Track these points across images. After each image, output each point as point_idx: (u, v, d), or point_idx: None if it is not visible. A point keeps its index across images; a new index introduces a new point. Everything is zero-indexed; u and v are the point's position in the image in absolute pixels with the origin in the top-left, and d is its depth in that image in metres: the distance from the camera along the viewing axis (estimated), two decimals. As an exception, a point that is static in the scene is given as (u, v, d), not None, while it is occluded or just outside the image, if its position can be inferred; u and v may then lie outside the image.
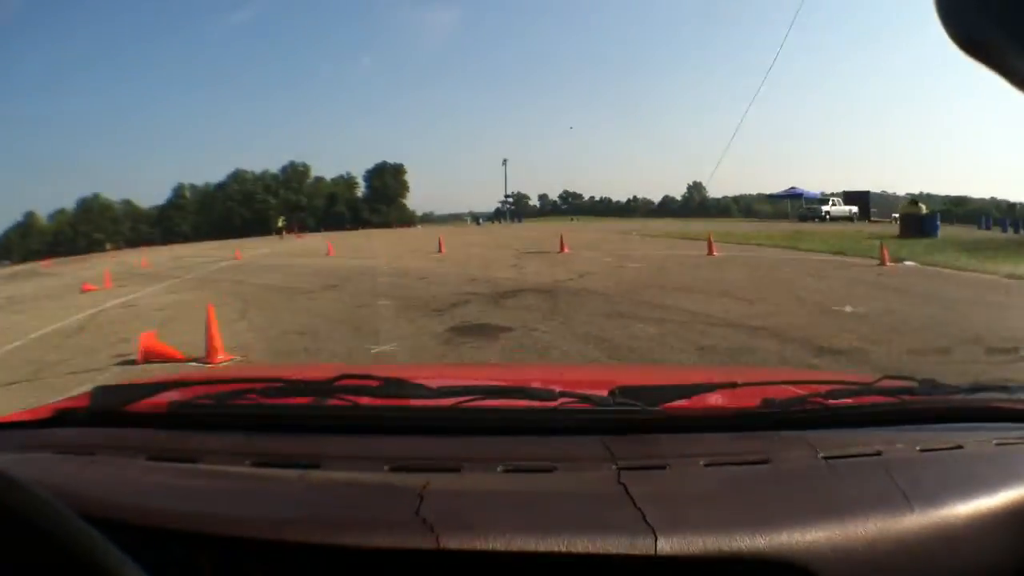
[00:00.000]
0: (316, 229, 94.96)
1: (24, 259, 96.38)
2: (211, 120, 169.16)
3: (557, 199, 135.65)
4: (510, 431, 1.15)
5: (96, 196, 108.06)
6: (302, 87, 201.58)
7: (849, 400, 1.25)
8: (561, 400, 1.15)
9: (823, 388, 1.26)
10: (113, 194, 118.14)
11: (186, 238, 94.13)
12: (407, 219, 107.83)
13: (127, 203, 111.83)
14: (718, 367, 3.99)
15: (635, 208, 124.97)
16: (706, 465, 1.03)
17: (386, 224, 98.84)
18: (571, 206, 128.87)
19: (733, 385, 1.35)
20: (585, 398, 1.16)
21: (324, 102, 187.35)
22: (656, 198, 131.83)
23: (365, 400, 1.16)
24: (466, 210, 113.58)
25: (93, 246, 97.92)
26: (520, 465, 1.02)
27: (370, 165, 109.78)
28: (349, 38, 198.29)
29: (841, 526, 0.85)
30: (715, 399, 1.27)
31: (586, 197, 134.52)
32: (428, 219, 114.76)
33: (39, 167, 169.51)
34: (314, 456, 1.03)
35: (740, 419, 1.18)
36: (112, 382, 2.15)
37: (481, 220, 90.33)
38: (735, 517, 0.87)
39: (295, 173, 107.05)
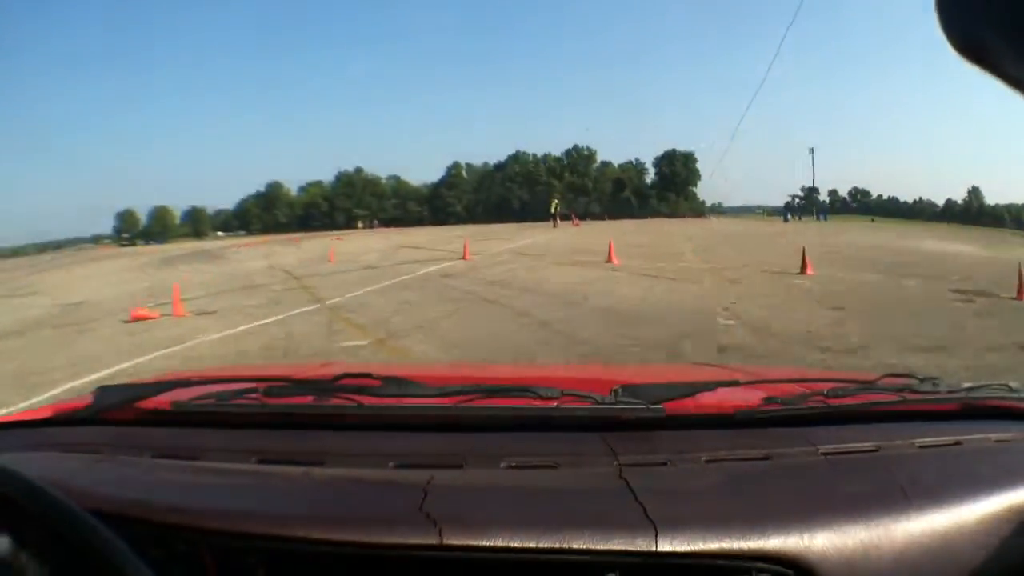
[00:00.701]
0: (601, 216, 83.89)
1: (270, 231, 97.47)
2: (491, 102, 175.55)
3: (847, 196, 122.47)
4: (512, 428, 1.15)
5: (359, 170, 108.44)
6: (593, 71, 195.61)
7: (850, 398, 1.24)
8: (563, 398, 1.15)
9: (824, 386, 1.26)
10: (378, 170, 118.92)
11: (459, 219, 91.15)
12: (698, 209, 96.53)
13: (395, 179, 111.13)
14: (719, 366, 3.25)
15: (920, 211, 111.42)
16: (707, 462, 1.04)
17: (674, 214, 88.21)
18: (860, 204, 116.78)
19: (734, 383, 1.36)
20: (587, 396, 1.16)
21: (615, 86, 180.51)
22: (939, 200, 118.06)
23: (367, 399, 1.16)
24: (754, 204, 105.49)
25: (352, 221, 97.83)
26: (523, 462, 1.02)
27: (659, 152, 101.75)
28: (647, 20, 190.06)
29: (840, 522, 0.86)
30: (716, 397, 1.25)
31: (874, 195, 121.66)
32: (717, 211, 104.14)
33: (290, 137, 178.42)
34: (318, 453, 1.04)
35: (741, 417, 1.17)
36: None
37: (789, 216, 73.49)
38: (736, 513, 0.87)
39: (579, 157, 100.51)
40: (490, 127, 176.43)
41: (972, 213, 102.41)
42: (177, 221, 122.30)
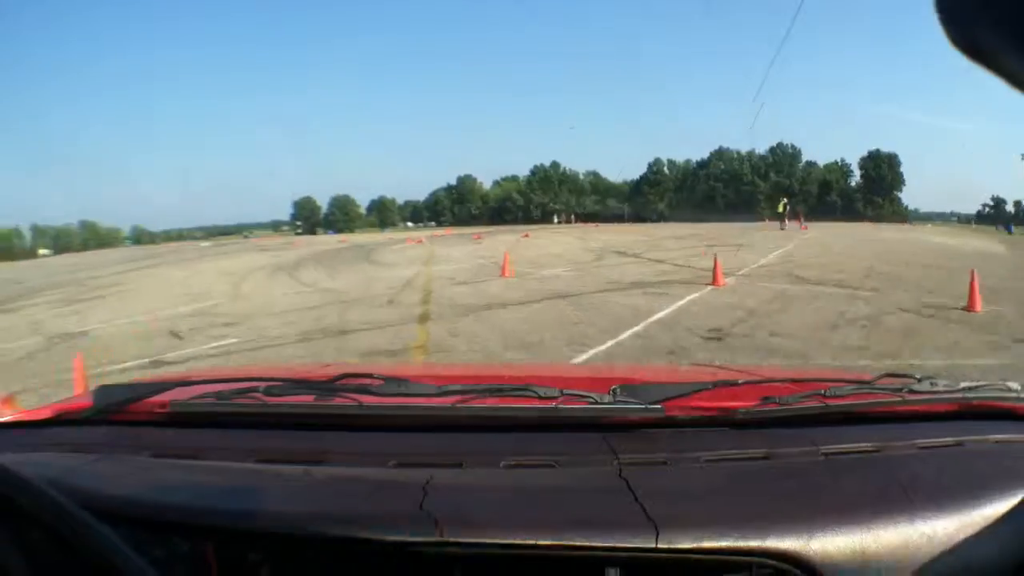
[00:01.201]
0: (806, 217, 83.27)
1: (458, 223, 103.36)
2: (691, 98, 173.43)
3: None
4: (512, 428, 1.17)
5: (554, 164, 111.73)
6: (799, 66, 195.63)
7: (849, 398, 1.25)
8: (563, 398, 1.16)
9: (823, 386, 1.26)
10: (575, 165, 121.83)
11: (661, 216, 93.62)
12: (902, 215, 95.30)
13: (593, 175, 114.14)
14: (719, 366, 3.62)
15: None
16: (707, 461, 1.04)
17: (880, 218, 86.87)
18: None
19: (733, 383, 1.36)
20: (586, 396, 1.16)
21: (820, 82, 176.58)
22: None
23: (367, 398, 1.16)
24: (939, 211, 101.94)
25: (547, 216, 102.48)
26: (522, 461, 1.03)
27: (863, 153, 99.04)
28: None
29: (840, 522, 0.86)
30: (715, 397, 1.25)
31: None
32: (915, 217, 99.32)
33: (483, 132, 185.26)
34: (318, 452, 1.05)
35: (740, 416, 1.18)
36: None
37: (1012, 228, 69.73)
38: (735, 512, 0.88)
39: (784, 155, 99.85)
40: (690, 123, 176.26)
41: None
42: (362, 211, 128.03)
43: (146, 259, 32.79)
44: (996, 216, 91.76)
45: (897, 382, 1.31)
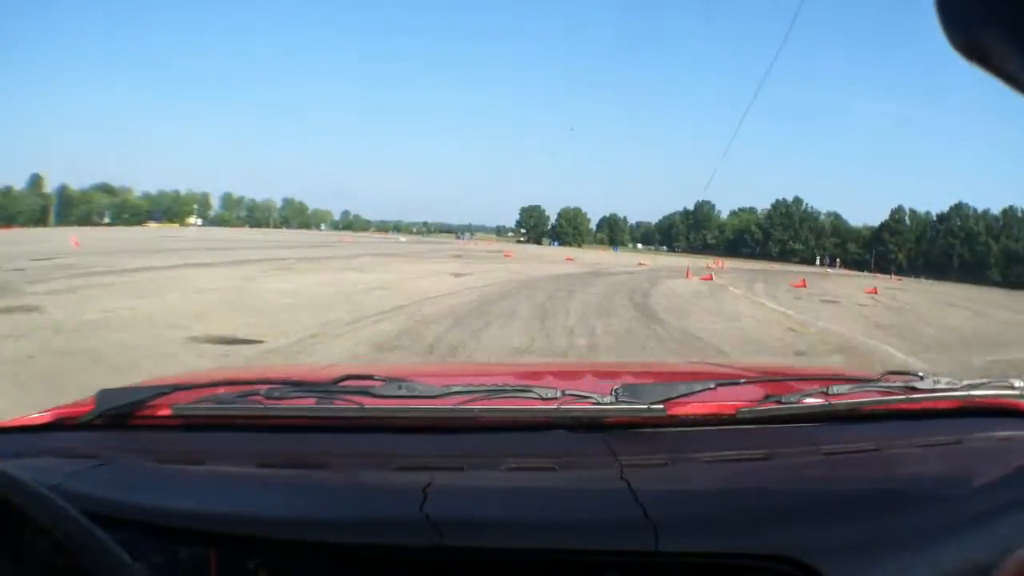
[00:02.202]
0: None
1: (690, 250, 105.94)
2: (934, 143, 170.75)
3: None
4: (513, 429, 1.19)
5: (797, 200, 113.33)
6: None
7: (851, 396, 1.28)
8: (564, 398, 1.17)
9: (825, 384, 1.30)
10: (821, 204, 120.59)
11: (900, 269, 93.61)
12: None
13: (834, 215, 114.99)
14: (720, 364, 3.51)
15: None
16: (708, 462, 1.06)
17: None
18: None
19: (735, 382, 1.40)
20: (587, 396, 1.18)
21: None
22: None
23: (369, 400, 1.17)
24: None
25: (787, 254, 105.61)
26: (523, 463, 1.04)
27: None
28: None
29: (842, 521, 0.88)
30: (717, 396, 1.26)
31: None
32: None
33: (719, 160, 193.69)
34: (318, 456, 1.06)
35: (741, 415, 1.20)
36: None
37: None
38: (737, 514, 0.89)
39: (1014, 218, 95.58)
40: (934, 172, 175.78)
41: None
42: (591, 226, 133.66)
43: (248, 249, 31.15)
44: None
45: (899, 380, 1.34)
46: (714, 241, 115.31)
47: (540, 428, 1.18)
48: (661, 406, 1.15)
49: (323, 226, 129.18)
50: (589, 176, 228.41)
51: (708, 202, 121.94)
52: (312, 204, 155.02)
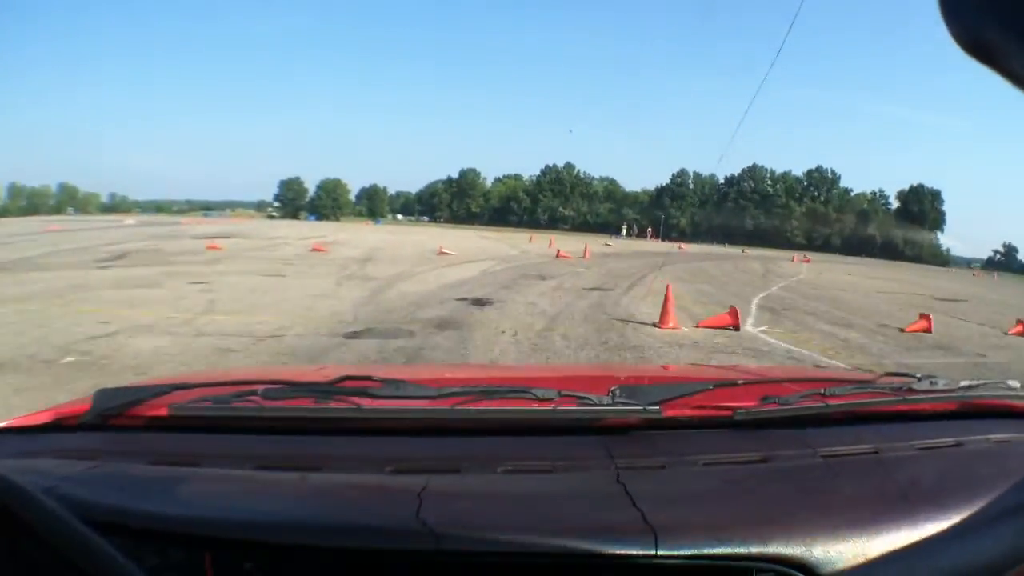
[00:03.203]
0: (841, 250, 75.17)
1: (459, 220, 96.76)
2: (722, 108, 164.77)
3: None
4: (510, 432, 1.17)
5: (569, 166, 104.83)
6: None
7: (848, 398, 1.26)
8: (560, 400, 1.16)
9: (822, 385, 1.28)
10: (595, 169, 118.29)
11: (682, 234, 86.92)
12: (941, 258, 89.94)
13: (610, 181, 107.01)
14: (718, 367, 3.83)
15: None
16: (705, 465, 1.05)
17: (919, 259, 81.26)
18: None
19: (732, 384, 1.37)
20: (584, 398, 1.16)
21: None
22: None
23: (366, 402, 1.16)
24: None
25: (557, 221, 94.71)
26: (519, 466, 1.04)
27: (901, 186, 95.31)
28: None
29: (839, 523, 0.87)
30: (714, 398, 1.25)
31: None
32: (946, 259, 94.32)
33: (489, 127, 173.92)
34: (315, 458, 1.05)
35: (739, 417, 1.18)
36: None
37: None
38: (734, 517, 0.89)
39: (822, 180, 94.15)
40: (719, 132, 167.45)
41: None
42: (351, 198, 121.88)
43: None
44: (1007, 263, 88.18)
45: (897, 382, 1.32)
46: (478, 210, 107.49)
47: (537, 430, 1.18)
48: (657, 408, 1.15)
49: (71, 210, 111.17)
50: (350, 146, 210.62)
51: (473, 169, 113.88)
52: (85, 187, 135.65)
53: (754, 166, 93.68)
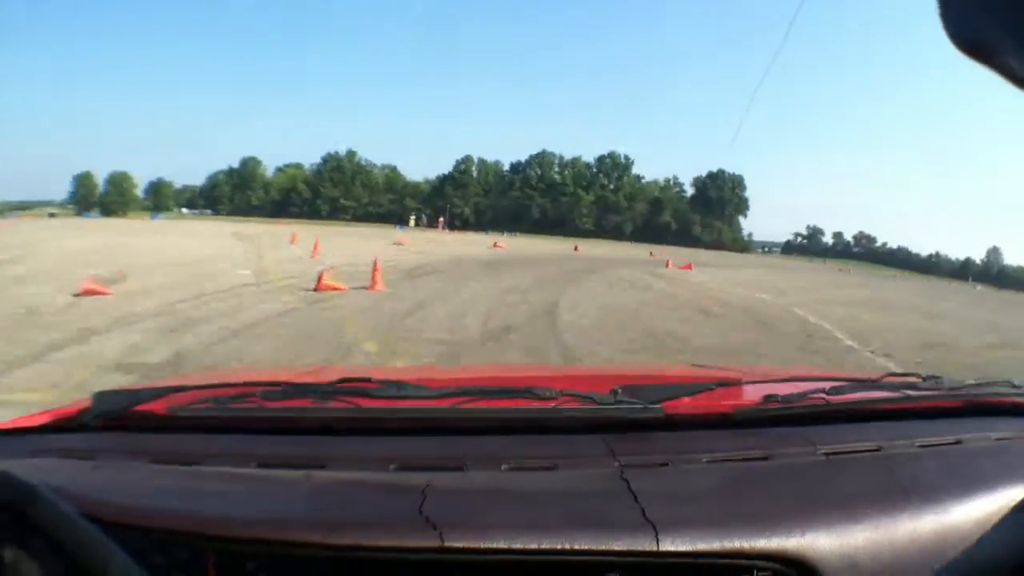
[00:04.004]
0: (632, 237, 70.59)
1: (240, 213, 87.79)
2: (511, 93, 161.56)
3: (851, 239, 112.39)
4: (512, 431, 1.17)
5: (351, 153, 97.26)
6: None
7: (851, 396, 1.27)
8: (562, 399, 1.16)
9: (825, 385, 1.27)
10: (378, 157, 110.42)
11: (466, 223, 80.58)
12: (741, 243, 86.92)
13: (390, 169, 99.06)
14: (721, 366, 3.08)
15: (937, 266, 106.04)
16: (707, 462, 1.06)
17: (720, 244, 78.90)
18: (865, 251, 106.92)
19: (735, 383, 1.38)
20: (586, 397, 1.16)
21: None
22: (956, 257, 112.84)
23: (366, 401, 1.16)
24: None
25: (338, 212, 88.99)
26: (522, 464, 1.04)
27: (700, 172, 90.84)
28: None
29: (841, 521, 0.88)
30: (716, 397, 1.26)
31: (879, 242, 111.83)
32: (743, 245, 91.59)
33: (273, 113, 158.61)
34: (318, 458, 1.05)
35: (741, 416, 1.19)
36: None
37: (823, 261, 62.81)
38: (736, 514, 0.89)
39: (614, 166, 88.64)
40: (513, 120, 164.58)
41: (992, 273, 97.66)
42: (139, 193, 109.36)
43: None
44: (809, 247, 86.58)
45: (899, 381, 1.32)
46: (259, 202, 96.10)
47: (539, 429, 1.17)
48: (659, 407, 1.14)
49: None
50: (139, 137, 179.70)
51: (254, 158, 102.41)
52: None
53: (543, 152, 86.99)
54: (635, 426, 1.14)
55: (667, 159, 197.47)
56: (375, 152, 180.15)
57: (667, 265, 24.74)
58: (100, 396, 1.20)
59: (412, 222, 72.14)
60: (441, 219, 70.16)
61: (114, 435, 1.17)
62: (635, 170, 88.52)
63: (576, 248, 40.56)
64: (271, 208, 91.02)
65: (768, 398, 1.19)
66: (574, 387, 1.21)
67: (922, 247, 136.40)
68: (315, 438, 1.14)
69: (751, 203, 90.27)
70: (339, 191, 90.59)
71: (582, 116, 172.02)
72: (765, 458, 1.06)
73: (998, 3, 0.38)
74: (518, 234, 62.81)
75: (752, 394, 1.25)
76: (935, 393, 1.28)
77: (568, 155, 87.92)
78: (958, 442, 1.14)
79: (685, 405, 1.18)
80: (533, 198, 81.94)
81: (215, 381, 1.31)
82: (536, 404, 1.15)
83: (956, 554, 0.79)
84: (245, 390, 1.21)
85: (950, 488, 0.97)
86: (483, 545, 0.82)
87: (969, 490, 0.95)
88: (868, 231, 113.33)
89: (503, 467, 1.02)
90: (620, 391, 1.16)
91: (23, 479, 0.59)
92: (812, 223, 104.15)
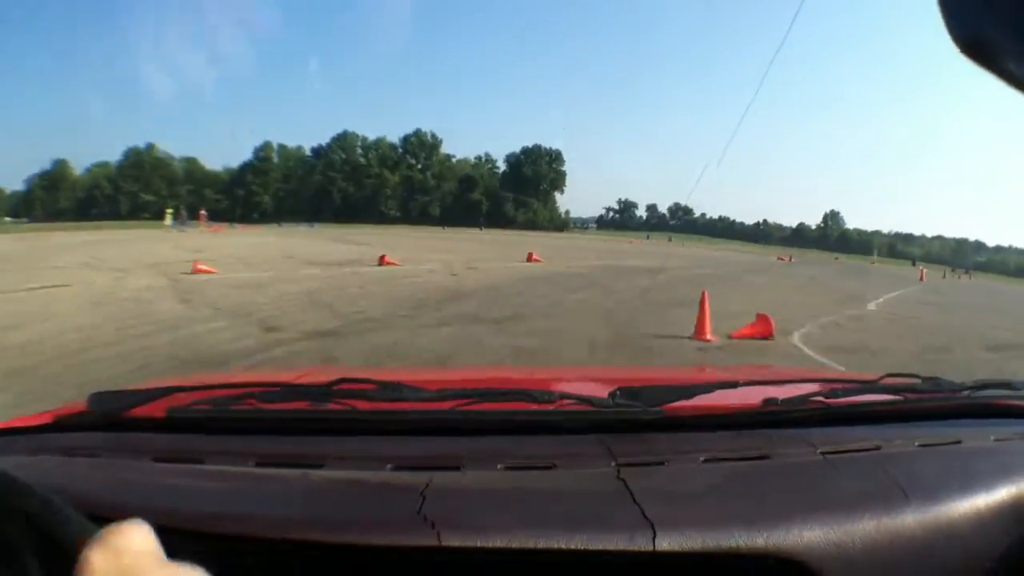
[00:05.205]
0: (441, 220, 65.82)
1: (51, 217, 79.93)
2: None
3: (666, 212, 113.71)
4: (510, 432, 1.17)
5: (151, 147, 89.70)
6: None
7: (850, 398, 1.27)
8: (561, 401, 1.17)
9: (824, 387, 1.30)
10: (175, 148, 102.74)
11: (264, 214, 76.71)
12: (558, 222, 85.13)
13: (189, 160, 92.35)
14: (720, 367, 3.50)
15: (767, 233, 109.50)
16: (705, 462, 1.06)
17: (535, 224, 76.22)
18: (682, 222, 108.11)
19: (734, 385, 1.38)
20: (585, 399, 1.18)
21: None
22: (789, 224, 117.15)
23: (364, 404, 1.17)
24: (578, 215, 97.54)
25: (139, 209, 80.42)
26: (520, 463, 1.04)
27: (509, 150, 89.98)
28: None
29: (839, 521, 0.88)
30: (715, 398, 1.26)
31: (697, 213, 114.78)
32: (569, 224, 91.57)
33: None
34: (316, 457, 1.05)
35: (740, 418, 1.20)
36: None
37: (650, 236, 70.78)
38: (734, 512, 0.89)
39: (421, 145, 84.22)
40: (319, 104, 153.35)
41: (831, 238, 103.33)
42: None
43: None
44: (623, 221, 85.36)
45: (899, 382, 1.34)
46: (68, 204, 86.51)
47: (537, 431, 1.17)
48: (659, 409, 1.15)
49: None
50: None
51: (63, 160, 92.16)
52: None
53: (345, 133, 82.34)
54: (634, 428, 1.14)
55: (484, 139, 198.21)
56: (175, 144, 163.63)
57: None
58: (99, 397, 1.20)
59: (168, 218, 57.70)
60: (202, 212, 60.78)
61: (114, 435, 1.16)
62: (449, 150, 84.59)
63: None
64: (79, 209, 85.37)
65: (767, 401, 1.19)
66: (573, 389, 1.21)
67: (746, 216, 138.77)
68: (313, 438, 1.13)
69: (569, 178, 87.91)
70: (139, 186, 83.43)
71: (388, 96, 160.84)
72: (763, 458, 1.06)
73: (1000, 3, 0.38)
74: (317, 225, 57.79)
75: (751, 396, 1.24)
76: (934, 395, 1.29)
77: (373, 136, 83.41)
78: (957, 443, 1.14)
79: (684, 407, 1.17)
80: (335, 182, 77.43)
81: (214, 382, 1.30)
82: (534, 406, 1.15)
83: (955, 555, 0.80)
84: (244, 391, 1.20)
85: (949, 489, 0.97)
86: (481, 544, 0.82)
87: (968, 491, 0.95)
88: (683, 202, 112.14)
89: (500, 466, 1.02)
90: (619, 393, 1.16)
91: (19, 477, 0.59)
92: (623, 197, 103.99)
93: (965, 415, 1.27)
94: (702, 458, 1.05)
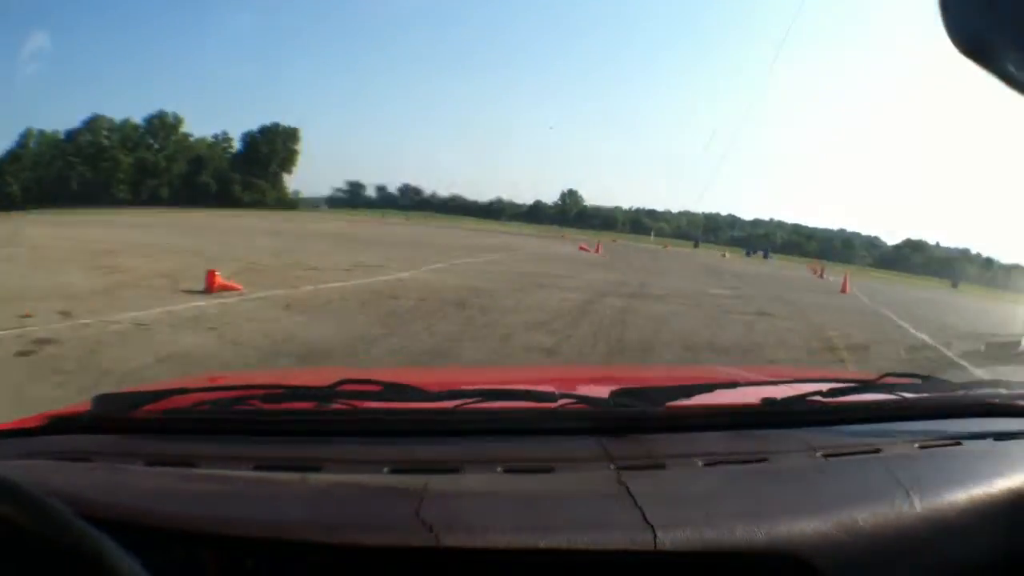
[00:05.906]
0: (171, 202, 73.05)
1: None
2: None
3: (396, 192, 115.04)
4: (510, 433, 1.17)
5: None
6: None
7: (850, 398, 1.28)
8: (561, 402, 1.18)
9: (824, 387, 1.28)
10: None
11: (13, 203, 73.79)
12: (287, 202, 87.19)
13: None
14: (719, 367, 3.75)
15: (500, 211, 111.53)
16: (705, 464, 1.06)
17: (261, 203, 78.71)
18: (413, 202, 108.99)
19: (733, 385, 1.40)
20: (584, 399, 1.20)
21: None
22: (525, 202, 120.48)
23: (365, 404, 1.18)
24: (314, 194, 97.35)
25: None
26: (519, 466, 1.04)
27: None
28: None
29: (840, 521, 0.88)
30: (714, 399, 1.28)
31: (427, 192, 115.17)
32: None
33: None
34: (315, 460, 1.05)
35: (739, 418, 1.21)
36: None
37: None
38: (734, 514, 0.89)
39: (163, 126, 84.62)
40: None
41: (570, 215, 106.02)
42: None
43: None
44: (351, 201, 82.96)
45: (898, 382, 1.35)
46: None
47: (537, 431, 1.18)
48: (657, 409, 1.16)
49: None
50: None
51: None
52: None
53: (94, 116, 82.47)
54: (633, 429, 1.15)
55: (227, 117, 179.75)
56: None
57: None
58: (98, 398, 1.21)
59: None
60: None
61: (112, 438, 1.16)
62: (192, 130, 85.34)
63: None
64: None
65: (766, 400, 1.21)
66: (573, 389, 1.27)
67: (480, 195, 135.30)
68: (313, 440, 1.14)
69: (306, 158, 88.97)
70: None
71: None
72: (764, 459, 1.06)
73: (999, 6, 0.39)
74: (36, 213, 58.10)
75: (750, 396, 1.26)
76: (934, 395, 1.34)
77: (120, 118, 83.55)
78: (957, 443, 1.16)
79: (684, 407, 1.19)
80: (75, 167, 79.02)
81: (215, 384, 1.39)
82: (534, 406, 1.18)
83: (955, 554, 0.86)
84: (244, 393, 1.21)
85: (949, 487, 0.97)
86: (479, 546, 0.82)
87: (968, 489, 0.95)
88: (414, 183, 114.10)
89: (500, 469, 1.02)
90: (618, 394, 1.19)
91: (18, 481, 0.58)
92: (351, 178, 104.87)
93: (965, 415, 1.29)
94: (702, 461, 1.06)
